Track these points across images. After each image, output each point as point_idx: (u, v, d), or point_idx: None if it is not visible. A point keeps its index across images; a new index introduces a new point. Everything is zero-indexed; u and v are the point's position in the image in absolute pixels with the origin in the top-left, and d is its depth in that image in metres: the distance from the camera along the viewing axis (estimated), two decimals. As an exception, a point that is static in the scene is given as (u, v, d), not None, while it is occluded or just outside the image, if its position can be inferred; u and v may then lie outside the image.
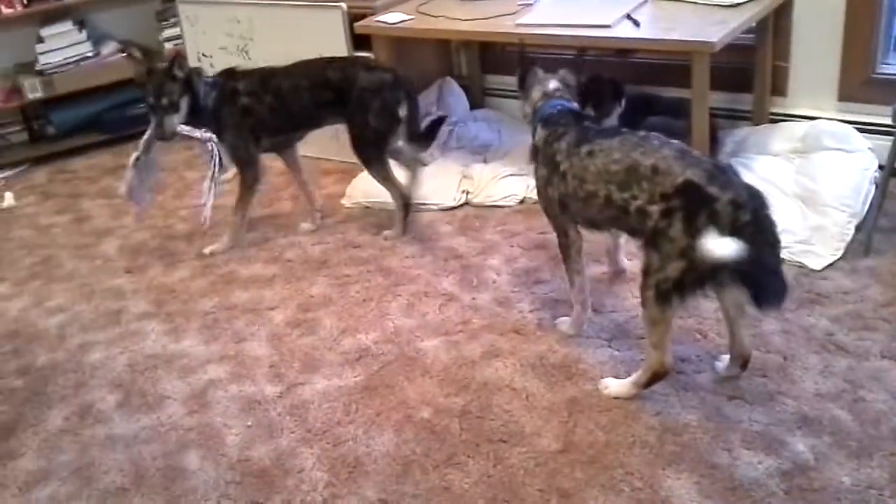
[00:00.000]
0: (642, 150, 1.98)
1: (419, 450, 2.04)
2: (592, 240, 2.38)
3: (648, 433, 1.99)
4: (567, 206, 2.21)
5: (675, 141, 2.02)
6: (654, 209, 1.91)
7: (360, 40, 3.56)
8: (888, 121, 2.60)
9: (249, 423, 2.21)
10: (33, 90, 4.22)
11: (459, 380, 2.28)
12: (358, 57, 3.33)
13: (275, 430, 2.17)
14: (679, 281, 1.87)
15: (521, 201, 3.23)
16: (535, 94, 2.35)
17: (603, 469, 1.91)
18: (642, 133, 2.07)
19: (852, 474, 1.80)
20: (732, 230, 1.78)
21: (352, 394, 2.28)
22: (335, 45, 3.60)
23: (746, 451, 1.89)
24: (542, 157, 2.26)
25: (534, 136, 2.33)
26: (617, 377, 2.17)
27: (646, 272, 1.96)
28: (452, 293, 2.70)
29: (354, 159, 3.79)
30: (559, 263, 2.76)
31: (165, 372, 2.48)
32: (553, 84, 2.36)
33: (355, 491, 1.94)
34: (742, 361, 2.11)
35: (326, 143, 3.91)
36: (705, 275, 1.82)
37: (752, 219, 1.81)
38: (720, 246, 1.74)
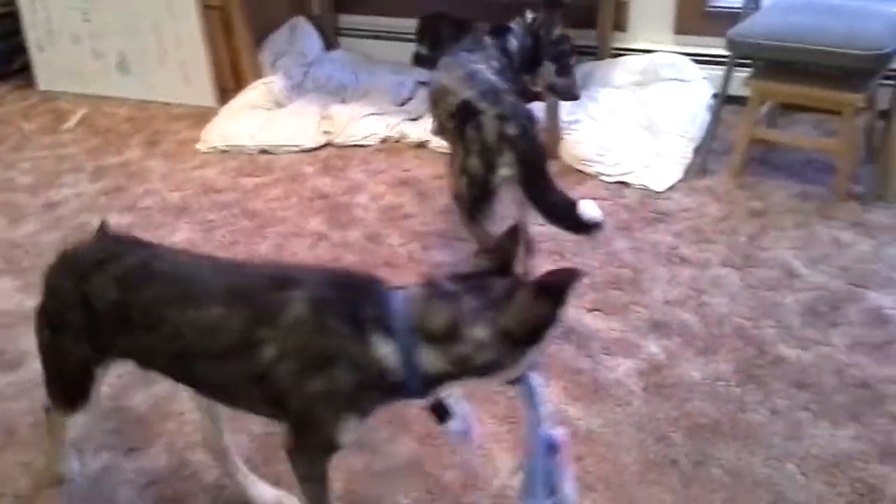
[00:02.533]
0: (447, 73, 2.21)
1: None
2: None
3: (518, 349, 2.12)
4: None
5: (480, 66, 2.21)
6: (451, 127, 2.13)
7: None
8: (721, 51, 2.81)
9: (120, 374, 2.16)
10: None
11: (334, 314, 2.32)
12: None
13: (149, 378, 2.13)
14: (471, 196, 2.06)
15: (383, 140, 3.26)
16: None
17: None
18: (462, 55, 2.30)
19: (701, 369, 2.00)
20: (500, 139, 1.99)
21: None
22: (180, -17, 3.46)
23: (607, 356, 2.06)
24: None
25: None
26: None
27: None
28: (322, 232, 2.72)
29: (207, 102, 3.70)
30: (425, 199, 2.85)
31: (25, 329, 2.37)
32: None
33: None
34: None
35: (175, 86, 3.79)
36: (486, 189, 2.03)
37: (520, 133, 2.00)
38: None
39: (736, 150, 2.80)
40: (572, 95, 2.89)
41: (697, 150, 2.91)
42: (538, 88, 2.83)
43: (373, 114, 3.33)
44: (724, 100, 2.84)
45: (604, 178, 2.83)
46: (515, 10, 3.56)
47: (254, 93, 3.51)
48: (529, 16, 2.61)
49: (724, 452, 1.77)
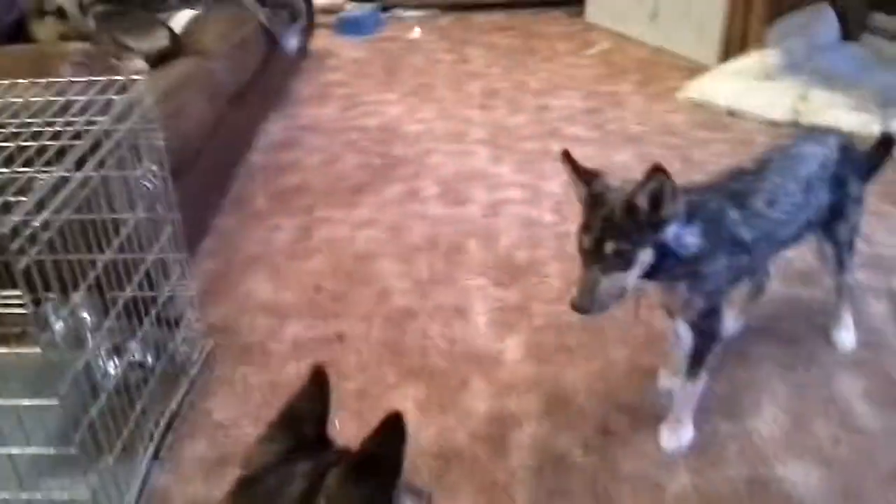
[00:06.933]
0: None
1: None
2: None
3: None
4: None
5: None
6: None
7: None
8: None
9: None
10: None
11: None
12: None
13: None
14: None
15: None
16: None
17: None
18: None
19: None
20: None
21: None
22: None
23: None
24: None
25: None
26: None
27: None
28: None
29: (708, 61, 3.98)
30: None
31: (478, 183, 3.04)
32: None
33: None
34: None
35: (687, 41, 4.14)
36: None
37: None
38: None
39: None
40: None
41: None
42: None
43: (854, 109, 3.28)
44: None
45: None
46: None
47: (748, 61, 3.69)
48: None
49: None
